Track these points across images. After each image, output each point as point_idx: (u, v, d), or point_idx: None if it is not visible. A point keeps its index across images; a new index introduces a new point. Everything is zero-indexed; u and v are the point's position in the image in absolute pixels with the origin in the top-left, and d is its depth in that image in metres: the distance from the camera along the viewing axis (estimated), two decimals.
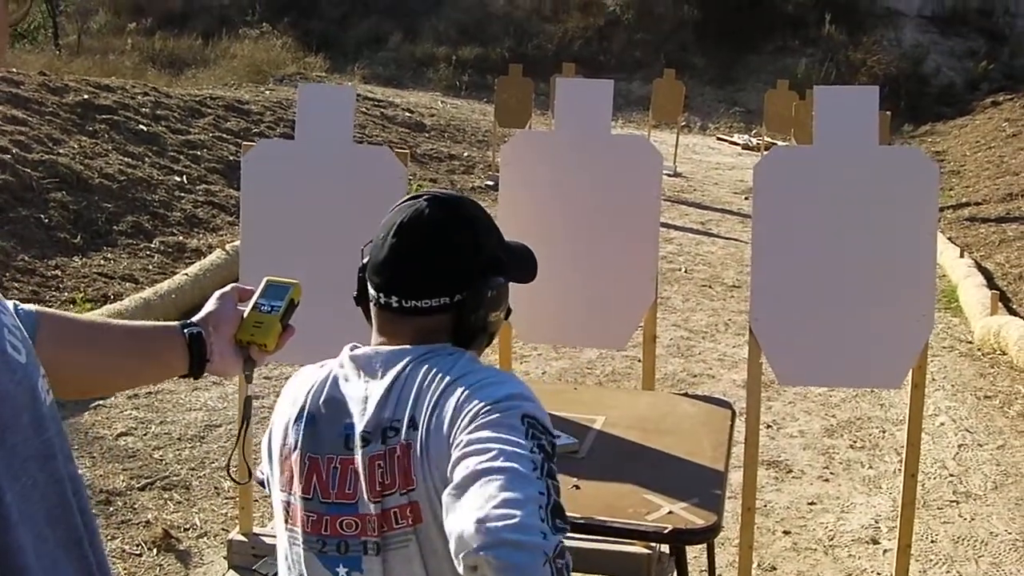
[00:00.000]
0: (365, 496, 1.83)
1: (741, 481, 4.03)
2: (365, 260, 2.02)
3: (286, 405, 1.97)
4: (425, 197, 1.98)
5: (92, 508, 1.29)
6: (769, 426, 6.16)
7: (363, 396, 1.87)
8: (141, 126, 11.58)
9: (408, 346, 1.91)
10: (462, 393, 1.79)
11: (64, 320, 1.78)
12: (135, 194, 9.81)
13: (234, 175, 11.10)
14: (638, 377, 6.88)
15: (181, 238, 9.37)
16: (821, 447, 6.00)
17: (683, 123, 18.54)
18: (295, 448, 1.91)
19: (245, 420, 2.01)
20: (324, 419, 1.89)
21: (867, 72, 23.13)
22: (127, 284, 8.00)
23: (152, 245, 9.00)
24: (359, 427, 1.84)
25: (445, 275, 1.93)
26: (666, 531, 2.69)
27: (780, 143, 15.52)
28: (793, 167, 3.95)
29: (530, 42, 25.21)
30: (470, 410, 1.75)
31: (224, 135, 12.67)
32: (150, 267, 8.53)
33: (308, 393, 1.93)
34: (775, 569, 4.64)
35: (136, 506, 4.94)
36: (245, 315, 1.90)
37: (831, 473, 5.65)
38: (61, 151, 9.83)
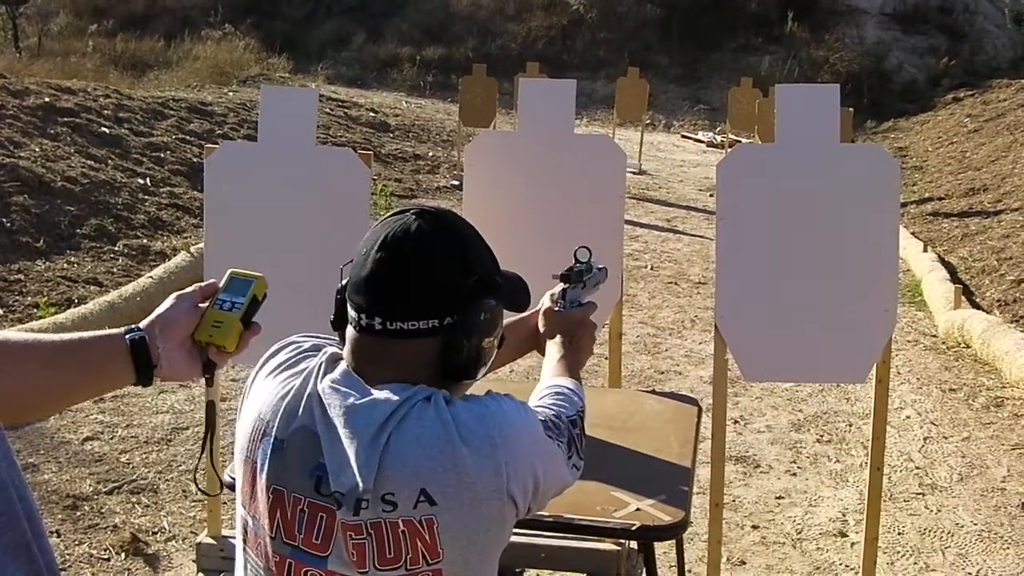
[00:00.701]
0: (343, 557, 1.73)
1: (709, 477, 4.05)
2: (344, 281, 1.86)
3: (255, 405, 1.84)
4: (413, 211, 1.82)
5: (59, 515, 1.27)
6: (736, 422, 6.19)
7: (339, 448, 1.72)
8: (103, 128, 11.50)
9: (385, 395, 1.74)
10: (478, 457, 1.71)
11: None
12: (98, 197, 9.74)
13: (198, 177, 11.02)
14: (604, 375, 6.89)
15: (145, 241, 9.32)
16: (788, 442, 6.03)
17: (647, 121, 18.58)
18: (260, 470, 1.78)
19: (210, 427, 1.89)
20: (293, 449, 1.76)
21: (830, 69, 23.27)
22: (91, 288, 7.95)
23: (116, 248, 8.94)
24: (333, 484, 1.71)
25: (435, 295, 1.78)
26: (634, 528, 2.70)
27: (744, 140, 15.58)
28: (756, 164, 3.97)
29: (494, 42, 25.20)
30: (507, 470, 1.74)
31: (188, 137, 12.61)
32: (114, 270, 8.48)
33: (280, 409, 1.79)
34: (744, 563, 4.67)
35: (104, 510, 4.91)
36: (204, 313, 1.77)
37: (798, 467, 5.69)
38: (22, 154, 9.75)
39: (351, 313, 1.82)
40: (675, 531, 2.80)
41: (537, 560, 4.41)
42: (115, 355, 1.69)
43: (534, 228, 4.16)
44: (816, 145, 3.88)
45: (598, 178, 4.14)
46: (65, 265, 8.28)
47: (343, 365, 1.82)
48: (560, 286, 2.36)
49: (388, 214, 1.85)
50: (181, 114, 13.45)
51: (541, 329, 2.37)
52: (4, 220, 8.48)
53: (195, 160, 11.58)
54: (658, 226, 12.52)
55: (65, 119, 11.20)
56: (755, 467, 5.67)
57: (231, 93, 16.78)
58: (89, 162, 10.44)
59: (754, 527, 5.00)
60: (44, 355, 1.66)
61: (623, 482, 2.91)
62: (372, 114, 17.63)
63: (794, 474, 5.61)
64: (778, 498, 5.31)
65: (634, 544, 4.45)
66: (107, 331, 1.74)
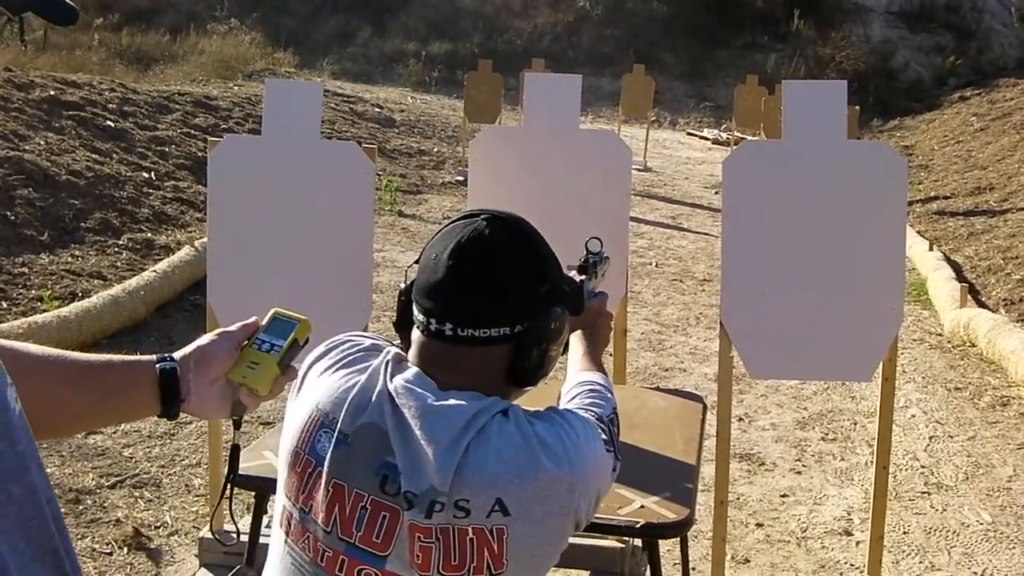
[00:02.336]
0: (404, 559, 1.71)
1: (713, 474, 4.03)
2: (409, 282, 1.86)
3: (310, 399, 1.82)
4: (484, 216, 1.81)
5: (62, 509, 1.26)
6: (741, 419, 6.18)
7: (415, 449, 1.71)
8: (108, 122, 11.49)
9: (462, 401, 1.74)
10: (556, 474, 1.72)
11: (8, 349, 1.50)
12: (103, 191, 9.73)
13: (202, 171, 10.97)
14: (609, 371, 6.89)
15: (150, 235, 9.30)
16: (793, 440, 6.02)
17: (653, 118, 18.56)
18: (318, 464, 1.76)
19: (232, 471, 1.79)
20: (359, 446, 1.74)
21: (836, 67, 23.26)
22: (95, 281, 7.93)
23: (120, 242, 8.93)
24: (404, 483, 1.70)
25: (508, 303, 1.76)
26: (638, 525, 2.69)
27: (749, 138, 15.55)
28: (762, 161, 3.96)
29: (500, 37, 25.19)
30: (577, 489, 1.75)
31: (192, 131, 12.59)
32: (118, 264, 8.46)
33: (345, 403, 1.77)
34: (748, 562, 4.65)
35: (106, 504, 4.90)
36: (242, 351, 1.69)
37: (803, 466, 5.67)
38: (27, 148, 9.73)
39: (419, 317, 1.81)
40: (680, 529, 2.78)
41: None
42: (143, 383, 1.62)
43: (539, 223, 4.14)
44: (823, 142, 3.86)
45: (604, 174, 4.13)
46: (69, 259, 8.26)
47: (412, 366, 1.81)
48: (578, 278, 2.33)
49: (456, 217, 1.84)
50: (186, 108, 13.43)
51: None
52: (8, 213, 8.46)
53: (200, 154, 11.56)
54: (663, 223, 12.50)
55: (70, 112, 11.19)
56: (759, 465, 5.65)
57: (236, 88, 16.77)
58: (94, 156, 10.43)
59: (758, 525, 4.98)
60: (66, 372, 1.58)
61: (627, 479, 2.88)
62: (378, 109, 17.62)
63: (799, 472, 5.59)
64: (783, 496, 5.29)
65: (638, 541, 4.44)
66: (138, 357, 1.67)
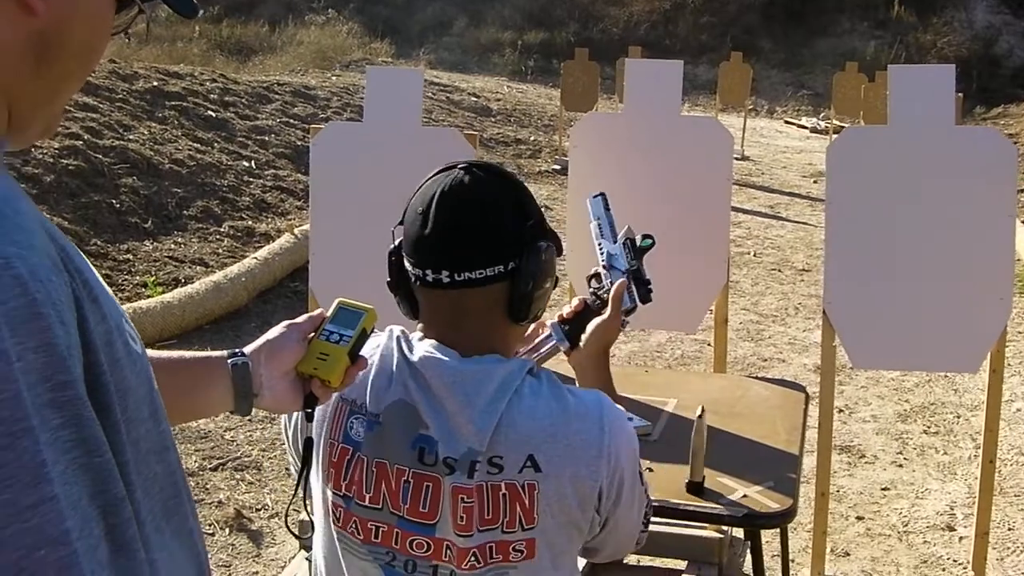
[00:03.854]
0: (449, 523, 1.76)
1: (814, 466, 3.98)
2: (397, 241, 1.90)
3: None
4: (460, 166, 1.85)
5: None
6: (841, 411, 6.08)
7: (451, 415, 1.76)
8: (210, 112, 11.68)
9: (487, 366, 1.79)
10: (587, 436, 1.76)
11: None
12: (204, 179, 9.89)
13: (301, 160, 11.16)
14: (707, 361, 6.84)
15: (250, 222, 9.43)
16: (894, 432, 5.92)
17: (750, 106, 18.38)
18: (356, 450, 1.81)
19: (306, 464, 1.79)
20: (392, 425, 1.79)
21: (937, 54, 22.82)
22: (197, 268, 8.07)
23: (222, 229, 9.07)
24: (442, 451, 1.75)
25: (498, 241, 1.80)
26: (741, 515, 2.66)
27: (848, 126, 15.32)
28: (867, 147, 3.89)
29: (595, 26, 25.12)
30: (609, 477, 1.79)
31: (291, 120, 12.75)
32: (220, 251, 8.60)
33: (367, 386, 1.81)
34: (848, 555, 4.59)
35: (208, 486, 4.98)
36: (311, 343, 1.67)
37: (905, 459, 5.57)
38: (131, 137, 9.93)
39: (415, 272, 1.84)
40: (783, 519, 2.75)
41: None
42: (216, 379, 1.62)
43: (639, 210, 4.12)
44: (930, 127, 3.78)
45: (705, 161, 4.09)
46: (172, 245, 8.41)
47: (427, 338, 1.85)
48: (594, 286, 2.34)
49: (433, 172, 1.87)
50: (285, 98, 13.60)
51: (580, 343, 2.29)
52: (114, 201, 8.64)
53: (299, 143, 11.70)
54: (761, 212, 12.37)
55: (173, 103, 11.39)
56: (860, 457, 5.57)
57: (334, 77, 16.94)
58: (196, 145, 10.60)
59: (859, 518, 4.91)
60: None
61: (729, 468, 2.86)
62: (474, 98, 17.67)
63: (900, 465, 5.49)
64: (884, 489, 5.21)
65: (736, 532, 4.40)
66: (210, 353, 1.67)
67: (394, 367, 1.81)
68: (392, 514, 1.79)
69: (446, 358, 1.79)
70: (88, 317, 1.00)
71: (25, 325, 0.91)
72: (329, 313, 1.70)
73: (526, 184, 1.96)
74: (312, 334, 1.69)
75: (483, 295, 1.81)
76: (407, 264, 1.86)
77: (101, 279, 1.15)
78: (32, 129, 1.13)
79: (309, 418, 1.74)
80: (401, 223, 1.88)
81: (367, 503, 1.80)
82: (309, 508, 1.92)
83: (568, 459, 1.75)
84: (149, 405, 1.12)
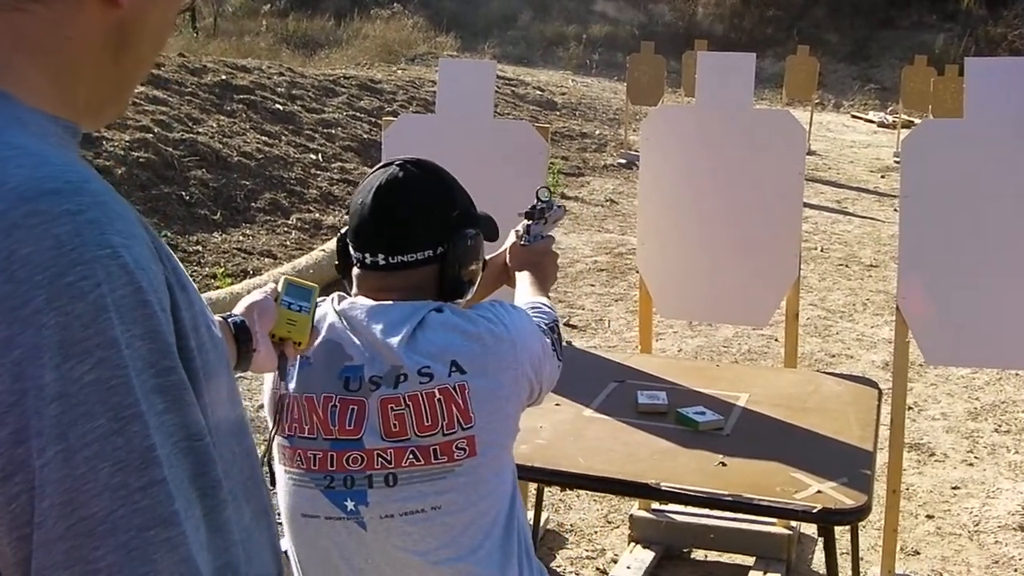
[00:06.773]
0: (377, 433, 1.98)
1: (885, 463, 3.94)
2: (344, 228, 2.17)
3: None
4: (397, 162, 2.12)
5: None
6: (911, 408, 6.01)
7: (370, 343, 2.01)
8: (277, 105, 11.77)
9: (400, 304, 2.04)
10: (495, 333, 2.04)
11: None
12: (272, 172, 9.97)
13: (368, 153, 11.23)
14: (775, 356, 6.80)
15: (317, 215, 9.50)
16: (965, 430, 5.84)
17: (817, 100, 18.21)
18: (289, 392, 2.04)
19: (277, 421, 2.02)
20: (319, 360, 2.03)
21: (1008, 47, 22.49)
22: (265, 260, 8.14)
23: (289, 222, 9.14)
24: (367, 372, 2.00)
25: (427, 228, 2.07)
26: (815, 510, 2.63)
27: (917, 120, 15.14)
28: (943, 141, 3.84)
29: (660, 20, 25.00)
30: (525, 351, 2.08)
31: (358, 114, 12.81)
32: (287, 243, 8.67)
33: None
34: (919, 553, 4.54)
35: None
36: (277, 312, 1.85)
37: (975, 457, 5.50)
38: (200, 130, 10.03)
39: (355, 255, 2.13)
40: (858, 515, 2.72)
41: (705, 540, 4.37)
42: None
43: (712, 204, 4.10)
44: (1008, 121, 3.72)
45: (778, 155, 4.06)
46: (241, 237, 8.49)
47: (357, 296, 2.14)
48: (525, 223, 2.60)
49: (374, 168, 2.17)
50: (351, 91, 13.67)
51: (509, 263, 2.61)
52: (183, 193, 8.74)
53: (365, 136, 11.77)
54: (828, 207, 12.26)
55: (240, 96, 11.50)
56: (929, 455, 5.50)
57: (400, 71, 17.01)
58: (263, 138, 10.69)
59: (929, 517, 4.85)
60: None
61: (803, 463, 2.84)
62: (539, 92, 17.66)
63: (971, 464, 5.42)
64: (954, 488, 5.14)
65: (805, 528, 4.38)
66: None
67: (328, 319, 2.07)
68: (325, 440, 2.01)
69: (364, 303, 2.08)
70: (179, 303, 1.03)
71: (132, 312, 0.94)
72: (280, 288, 1.88)
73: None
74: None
75: (414, 275, 2.08)
76: (351, 249, 2.14)
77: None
78: (104, 113, 1.16)
79: (282, 376, 1.93)
80: (347, 212, 2.19)
81: (305, 434, 2.03)
82: (273, 465, 2.11)
83: (487, 356, 2.01)
84: (228, 387, 1.15)
